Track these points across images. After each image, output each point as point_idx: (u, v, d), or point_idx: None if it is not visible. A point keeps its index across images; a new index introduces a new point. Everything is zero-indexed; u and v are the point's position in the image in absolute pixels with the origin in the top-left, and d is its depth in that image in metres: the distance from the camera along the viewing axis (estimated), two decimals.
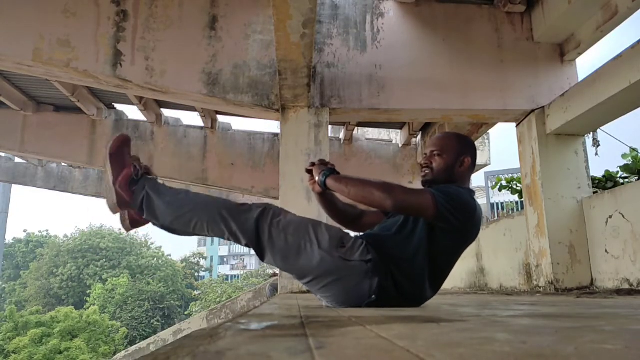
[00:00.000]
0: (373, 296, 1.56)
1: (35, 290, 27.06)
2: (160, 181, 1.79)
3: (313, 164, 1.85)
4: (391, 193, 1.59)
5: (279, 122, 4.29)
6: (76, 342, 17.69)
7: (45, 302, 25.77)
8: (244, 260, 44.55)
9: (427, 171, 1.84)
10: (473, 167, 1.86)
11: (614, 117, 3.79)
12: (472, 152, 1.85)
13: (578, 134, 4.09)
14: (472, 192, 1.78)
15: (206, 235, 1.75)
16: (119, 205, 1.72)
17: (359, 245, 1.61)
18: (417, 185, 2.02)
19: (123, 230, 1.89)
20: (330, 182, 1.74)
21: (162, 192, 1.68)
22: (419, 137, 7.14)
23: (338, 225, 1.84)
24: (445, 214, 1.59)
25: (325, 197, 1.89)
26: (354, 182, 1.69)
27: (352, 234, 1.86)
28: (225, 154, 7.17)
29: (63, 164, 9.33)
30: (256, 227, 1.60)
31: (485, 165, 7.35)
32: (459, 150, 1.82)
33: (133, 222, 1.81)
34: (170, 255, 31.18)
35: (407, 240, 1.65)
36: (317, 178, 1.78)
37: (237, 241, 1.65)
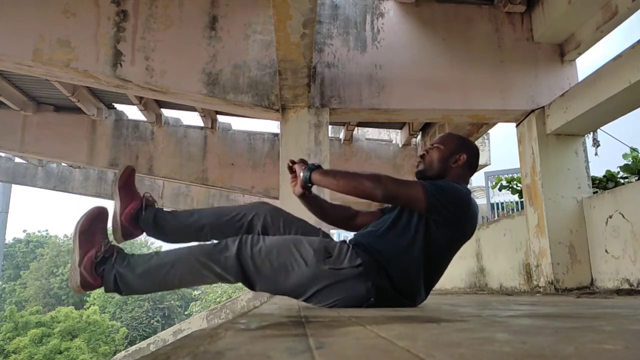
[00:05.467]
0: (372, 299, 1.55)
1: (35, 290, 27.08)
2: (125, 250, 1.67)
3: (293, 162, 1.82)
4: (380, 183, 1.59)
5: (279, 122, 4.29)
6: (76, 342, 17.71)
7: (45, 302, 25.79)
8: None
9: (419, 161, 1.87)
10: (470, 168, 1.85)
11: (614, 117, 3.79)
12: (470, 151, 1.85)
13: (578, 134, 4.09)
14: (468, 190, 1.76)
15: (193, 286, 1.71)
16: (83, 287, 1.59)
17: (345, 251, 1.58)
18: None
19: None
20: (316, 176, 1.70)
21: (132, 264, 1.59)
22: (419, 137, 7.14)
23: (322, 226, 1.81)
24: (437, 206, 1.59)
25: (309, 199, 1.85)
26: (342, 174, 1.67)
27: (337, 237, 1.84)
28: (225, 154, 7.17)
29: (63, 164, 9.33)
30: (239, 263, 1.54)
31: (485, 165, 7.35)
32: (456, 147, 1.83)
33: (125, 234, 1.74)
34: None
35: (400, 234, 1.63)
36: (301, 174, 1.74)
37: (226, 281, 1.59)
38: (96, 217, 1.66)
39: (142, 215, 1.75)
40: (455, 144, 1.84)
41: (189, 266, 1.57)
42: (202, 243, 1.67)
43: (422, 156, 1.86)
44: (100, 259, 1.58)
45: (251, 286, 1.60)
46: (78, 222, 1.63)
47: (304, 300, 1.63)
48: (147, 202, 1.79)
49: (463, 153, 1.82)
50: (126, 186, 1.77)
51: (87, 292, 1.73)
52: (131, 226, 1.74)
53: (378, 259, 1.59)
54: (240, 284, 1.63)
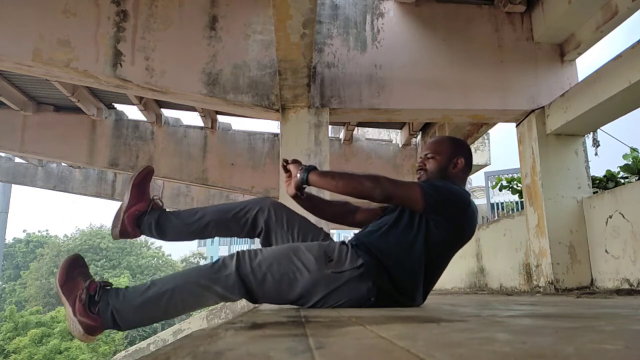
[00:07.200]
0: (372, 299, 1.55)
1: (35, 290, 27.08)
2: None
3: (287, 162, 1.81)
4: (379, 183, 1.60)
5: (279, 122, 4.28)
6: (76, 342, 17.69)
7: (45, 302, 25.79)
8: None
9: (421, 173, 1.86)
10: (468, 169, 1.87)
11: (614, 117, 3.79)
12: (466, 153, 1.87)
13: (578, 134, 4.09)
14: (466, 191, 1.78)
15: (198, 309, 1.71)
16: (89, 332, 1.52)
17: (345, 253, 1.58)
18: None
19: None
20: (313, 178, 1.69)
21: (128, 297, 1.52)
22: (419, 137, 7.14)
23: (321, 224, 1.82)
24: (435, 206, 1.60)
25: (303, 199, 1.84)
26: (340, 175, 1.67)
27: (337, 237, 1.85)
28: (225, 154, 7.17)
29: (63, 164, 9.33)
30: (240, 279, 1.51)
31: (485, 165, 7.35)
32: (452, 152, 1.84)
33: (123, 232, 1.77)
34: (170, 256, 31.25)
35: (401, 235, 1.64)
36: (297, 176, 1.73)
37: (229, 300, 1.58)
38: (73, 263, 1.60)
39: (145, 218, 1.75)
40: (450, 150, 1.84)
41: (189, 291, 1.51)
42: (196, 266, 1.65)
43: (421, 167, 1.86)
44: (88, 298, 1.51)
45: (255, 300, 1.58)
46: (58, 273, 1.57)
47: (308, 307, 1.61)
48: (155, 206, 1.78)
49: (460, 157, 1.83)
50: (140, 185, 1.78)
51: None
52: (130, 226, 1.74)
53: (379, 259, 1.59)
54: None
